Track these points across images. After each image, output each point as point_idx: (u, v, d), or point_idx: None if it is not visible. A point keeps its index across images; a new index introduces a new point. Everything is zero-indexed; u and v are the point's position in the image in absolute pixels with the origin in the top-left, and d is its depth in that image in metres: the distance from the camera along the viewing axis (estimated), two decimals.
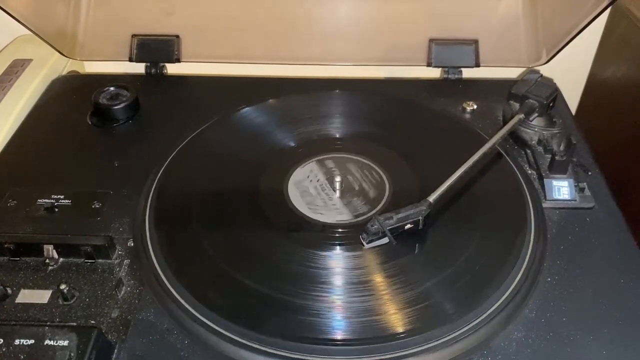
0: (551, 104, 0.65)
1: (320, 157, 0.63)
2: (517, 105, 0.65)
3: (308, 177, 0.61)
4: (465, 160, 0.61)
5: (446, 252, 0.53)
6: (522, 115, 0.62)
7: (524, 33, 0.76)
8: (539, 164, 0.61)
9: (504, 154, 0.63)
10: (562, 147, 0.61)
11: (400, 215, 0.52)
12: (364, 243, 0.52)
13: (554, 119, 0.65)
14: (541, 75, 0.67)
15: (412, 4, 0.77)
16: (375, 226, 0.51)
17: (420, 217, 0.53)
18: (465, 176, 0.59)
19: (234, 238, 0.54)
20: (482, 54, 0.77)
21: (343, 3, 0.77)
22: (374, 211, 0.57)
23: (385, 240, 0.52)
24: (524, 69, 0.78)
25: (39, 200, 0.58)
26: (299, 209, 0.57)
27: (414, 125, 0.68)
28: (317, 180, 0.60)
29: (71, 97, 0.74)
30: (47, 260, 0.52)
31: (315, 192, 0.59)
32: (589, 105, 0.91)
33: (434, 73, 0.80)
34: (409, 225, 0.53)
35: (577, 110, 0.92)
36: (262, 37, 0.79)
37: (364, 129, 0.67)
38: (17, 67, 0.77)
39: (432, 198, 0.54)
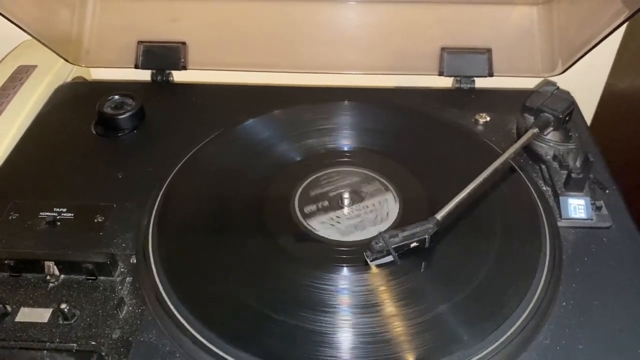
0: (567, 118, 0.63)
1: (327, 171, 0.62)
2: (531, 119, 0.63)
3: (315, 192, 0.59)
4: (476, 175, 0.59)
5: (456, 275, 0.51)
6: (536, 130, 0.60)
7: (539, 42, 0.74)
8: (554, 181, 0.59)
9: (517, 169, 0.61)
10: (578, 164, 0.59)
11: (406, 233, 0.51)
12: (369, 261, 0.51)
13: (569, 133, 0.63)
14: (557, 88, 0.65)
15: (423, 12, 0.75)
16: (380, 244, 0.50)
17: (427, 236, 0.51)
18: (477, 192, 0.57)
19: (240, 258, 0.53)
20: (496, 63, 0.75)
21: (352, 10, 0.76)
22: (382, 227, 0.55)
23: (390, 258, 0.50)
24: (540, 79, 0.75)
25: (40, 213, 0.57)
26: (307, 227, 0.55)
27: (425, 138, 0.66)
28: (325, 196, 0.59)
29: (75, 104, 0.73)
30: (48, 277, 0.51)
31: (323, 208, 0.57)
32: (606, 117, 0.89)
33: (446, 82, 0.78)
34: (415, 244, 0.51)
35: (593, 122, 0.90)
36: (269, 44, 0.77)
37: (372, 141, 0.66)
38: (22, 74, 0.75)
39: (439, 215, 0.52)
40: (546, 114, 0.63)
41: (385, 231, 0.51)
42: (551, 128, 0.62)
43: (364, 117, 0.68)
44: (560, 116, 0.62)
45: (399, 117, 0.69)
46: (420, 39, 0.76)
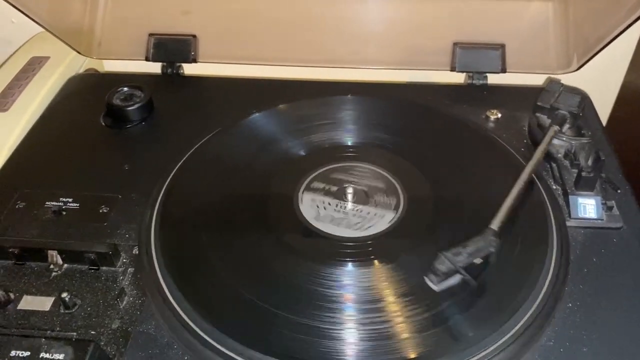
0: (581, 114, 0.62)
1: (330, 167, 0.61)
2: (544, 118, 0.62)
3: (319, 187, 0.58)
4: (484, 173, 0.58)
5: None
6: (556, 127, 0.59)
7: (553, 38, 0.72)
8: (565, 179, 0.58)
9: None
10: (589, 162, 0.58)
11: (469, 250, 0.46)
12: (434, 285, 0.46)
13: (582, 131, 0.61)
14: (563, 84, 0.64)
15: (436, 6, 0.74)
16: (445, 264, 0.46)
17: (492, 249, 0.47)
18: (484, 189, 0.56)
19: (241, 252, 0.53)
20: (509, 59, 0.73)
21: (364, 5, 0.75)
22: (389, 223, 0.55)
23: (456, 279, 0.46)
24: (551, 76, 0.74)
25: (47, 202, 0.58)
26: (310, 222, 0.55)
27: (432, 133, 0.65)
28: (329, 191, 0.58)
29: (86, 96, 0.73)
30: (52, 266, 0.52)
31: (327, 204, 0.57)
32: (622, 116, 0.87)
33: (458, 78, 0.77)
34: (478, 260, 0.47)
35: (609, 121, 0.88)
36: (280, 38, 0.77)
37: (377, 136, 0.65)
38: (35, 65, 0.76)
39: (495, 225, 0.49)
40: (561, 111, 0.61)
41: (446, 250, 0.47)
42: (568, 125, 0.61)
43: (370, 112, 0.68)
44: (576, 111, 0.61)
45: (406, 112, 0.68)
46: (433, 34, 0.75)
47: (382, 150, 0.63)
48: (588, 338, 0.46)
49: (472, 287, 0.46)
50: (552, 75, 0.73)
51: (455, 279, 0.46)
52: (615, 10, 0.63)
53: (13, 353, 0.42)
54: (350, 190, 0.57)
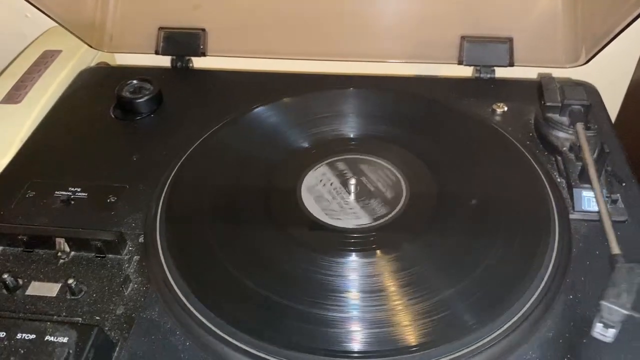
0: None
1: (334, 159, 0.61)
2: (555, 117, 0.61)
3: (321, 180, 0.59)
4: (492, 166, 0.58)
5: (462, 262, 0.50)
6: (582, 124, 0.59)
7: (561, 31, 0.72)
8: (569, 172, 0.58)
9: (531, 159, 0.59)
10: (595, 155, 0.57)
11: (624, 287, 0.43)
12: (608, 337, 0.43)
13: (588, 124, 0.61)
14: (554, 78, 0.64)
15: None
16: (615, 313, 0.42)
17: None
18: (487, 181, 0.56)
19: (245, 242, 0.53)
20: (517, 52, 0.73)
21: None
22: (392, 214, 0.55)
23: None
24: (562, 69, 0.73)
25: (56, 192, 0.59)
26: (313, 213, 0.55)
27: (437, 126, 0.65)
28: (331, 184, 0.58)
29: (97, 88, 0.75)
30: (59, 253, 0.53)
31: (329, 195, 0.57)
32: (632, 110, 0.86)
33: (466, 72, 0.77)
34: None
35: (618, 116, 0.87)
36: (288, 32, 0.77)
37: (380, 129, 0.65)
38: (47, 58, 0.78)
39: (617, 250, 0.47)
40: (574, 107, 0.61)
41: (602, 299, 0.43)
42: (585, 118, 0.60)
43: (375, 104, 0.68)
44: (588, 103, 0.60)
45: (409, 104, 0.68)
46: (441, 27, 0.75)
47: (387, 143, 0.63)
48: (588, 330, 0.45)
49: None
50: (541, 71, 0.72)
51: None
52: (623, 3, 0.62)
53: (19, 336, 0.43)
54: (353, 181, 0.57)
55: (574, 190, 0.56)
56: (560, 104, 0.61)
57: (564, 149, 0.60)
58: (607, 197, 0.55)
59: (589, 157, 0.55)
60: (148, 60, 0.81)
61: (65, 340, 0.42)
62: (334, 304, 0.47)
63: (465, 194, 0.57)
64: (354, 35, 0.77)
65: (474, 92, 0.72)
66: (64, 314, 0.48)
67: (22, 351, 0.42)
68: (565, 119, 0.61)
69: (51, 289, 0.50)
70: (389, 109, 0.67)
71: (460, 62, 0.75)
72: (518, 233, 0.52)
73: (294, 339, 0.45)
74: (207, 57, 0.79)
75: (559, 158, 0.60)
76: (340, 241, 0.53)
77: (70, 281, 0.49)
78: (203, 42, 0.78)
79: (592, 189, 0.53)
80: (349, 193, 0.57)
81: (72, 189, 0.59)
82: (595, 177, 0.53)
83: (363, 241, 0.53)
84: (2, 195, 0.59)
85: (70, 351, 0.42)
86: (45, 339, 0.42)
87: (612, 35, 0.64)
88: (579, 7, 0.70)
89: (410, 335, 0.45)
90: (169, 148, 0.64)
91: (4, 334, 0.43)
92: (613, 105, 0.86)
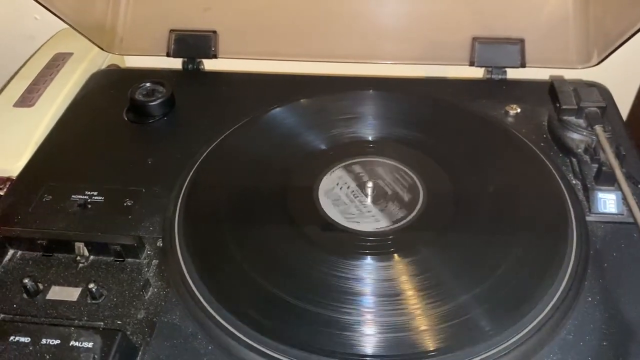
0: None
1: (350, 162, 0.62)
2: (572, 120, 0.62)
3: (337, 183, 0.59)
4: (507, 167, 0.58)
5: (480, 266, 0.50)
6: (601, 126, 0.59)
7: (573, 32, 0.72)
8: (585, 174, 0.58)
9: (546, 161, 0.59)
10: None
11: None
12: None
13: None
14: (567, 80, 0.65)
15: (455, 1, 0.74)
16: None
17: None
18: (504, 184, 0.57)
19: (263, 244, 0.54)
20: (529, 53, 0.73)
21: (383, 0, 0.75)
22: (410, 217, 0.55)
23: None
24: (572, 70, 0.73)
25: (72, 196, 0.59)
26: (331, 216, 0.56)
27: (451, 128, 0.66)
28: (348, 187, 0.59)
29: (109, 91, 0.75)
30: (78, 258, 0.53)
31: (347, 199, 0.57)
32: None
33: (477, 73, 0.77)
34: None
35: (629, 117, 0.87)
36: (299, 34, 0.77)
37: (397, 131, 0.65)
38: (58, 61, 0.77)
39: None
40: (590, 109, 0.61)
41: None
42: (601, 119, 0.61)
43: (390, 107, 0.68)
44: (604, 105, 0.60)
45: (425, 107, 0.68)
46: (452, 28, 0.75)
47: (402, 145, 0.63)
48: (608, 332, 0.46)
49: None
50: (553, 73, 0.73)
51: None
52: (636, 4, 0.62)
53: (44, 341, 0.43)
54: (370, 184, 0.57)
55: (590, 192, 0.56)
56: (576, 107, 0.61)
57: (579, 150, 0.60)
58: (623, 198, 0.55)
59: (613, 160, 0.55)
60: (157, 63, 0.81)
61: (90, 345, 0.43)
62: (365, 308, 0.47)
63: (482, 196, 0.57)
64: (365, 37, 0.77)
65: (485, 94, 0.72)
66: (85, 318, 0.48)
67: (47, 357, 0.42)
68: (581, 121, 0.61)
69: (72, 294, 0.50)
70: (405, 112, 0.67)
71: (472, 64, 0.75)
72: (536, 236, 0.52)
73: (316, 343, 0.45)
74: (218, 59, 0.79)
75: (574, 160, 0.60)
76: (380, 244, 0.53)
77: (91, 285, 0.49)
78: (214, 44, 0.78)
79: (619, 190, 0.54)
80: (366, 196, 0.57)
81: (89, 193, 0.59)
82: (623, 178, 0.53)
83: (380, 244, 0.53)
84: (19, 198, 0.59)
85: (96, 356, 0.42)
86: (70, 344, 0.43)
87: (625, 37, 0.64)
88: (591, 7, 0.70)
89: (428, 340, 0.45)
90: (183, 151, 0.64)
91: (29, 339, 0.43)
92: (623, 105, 0.86)
